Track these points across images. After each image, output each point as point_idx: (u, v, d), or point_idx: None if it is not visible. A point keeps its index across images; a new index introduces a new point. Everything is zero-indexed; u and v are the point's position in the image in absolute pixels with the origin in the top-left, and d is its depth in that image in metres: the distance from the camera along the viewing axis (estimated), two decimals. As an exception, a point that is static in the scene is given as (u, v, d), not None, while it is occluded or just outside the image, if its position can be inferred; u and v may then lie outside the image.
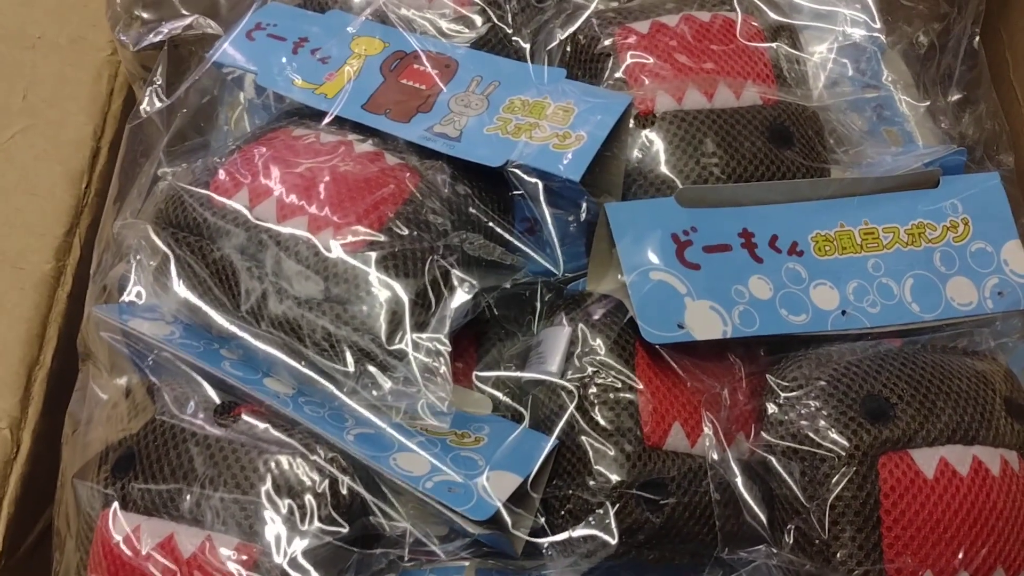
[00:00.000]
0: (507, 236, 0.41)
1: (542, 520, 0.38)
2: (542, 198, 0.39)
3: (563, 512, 0.37)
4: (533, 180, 0.39)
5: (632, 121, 0.45)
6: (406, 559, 0.36)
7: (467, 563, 0.40)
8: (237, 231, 0.39)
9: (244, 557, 0.35)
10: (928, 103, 0.52)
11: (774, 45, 0.48)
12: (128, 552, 0.35)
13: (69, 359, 0.45)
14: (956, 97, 0.51)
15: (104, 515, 0.36)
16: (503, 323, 0.43)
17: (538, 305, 0.44)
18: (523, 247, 0.40)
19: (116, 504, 0.36)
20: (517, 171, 0.39)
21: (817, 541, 0.36)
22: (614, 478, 0.38)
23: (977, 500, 0.37)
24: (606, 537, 0.36)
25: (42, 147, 0.51)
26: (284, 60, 0.44)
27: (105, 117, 0.53)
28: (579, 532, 0.36)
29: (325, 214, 0.39)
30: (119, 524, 0.36)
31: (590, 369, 0.40)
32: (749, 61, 0.47)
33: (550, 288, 0.45)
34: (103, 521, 0.36)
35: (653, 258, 0.40)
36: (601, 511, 0.36)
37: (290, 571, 0.34)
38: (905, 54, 0.55)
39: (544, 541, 0.36)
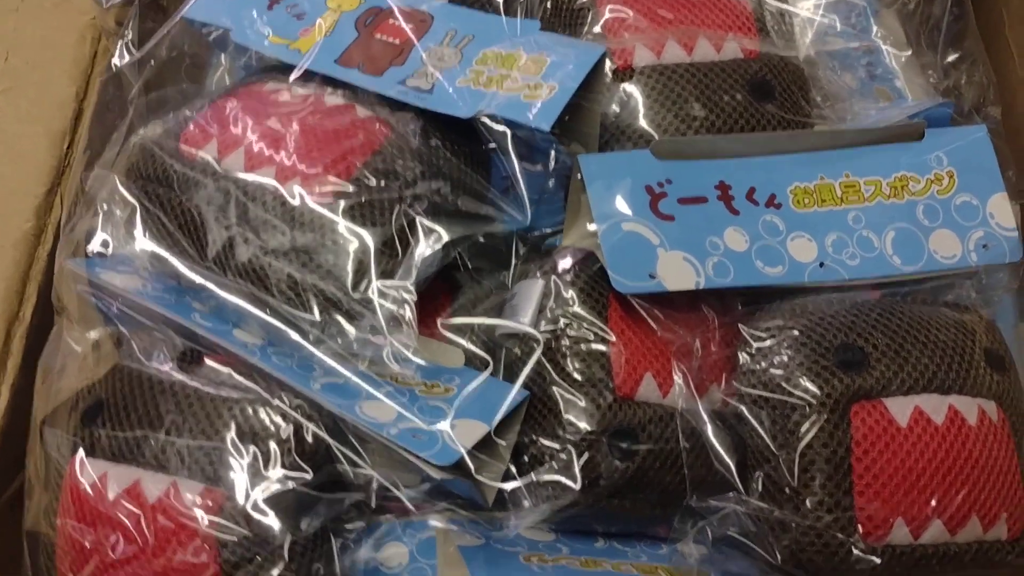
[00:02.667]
0: (479, 188, 0.40)
1: (513, 470, 0.38)
2: (510, 147, 0.39)
3: (531, 461, 0.37)
4: (501, 128, 0.39)
5: (610, 75, 0.44)
6: (372, 505, 0.36)
7: (437, 518, 0.40)
8: (205, 181, 0.38)
9: (209, 502, 0.35)
10: (917, 58, 0.51)
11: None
12: (95, 498, 0.35)
13: (48, 316, 0.45)
14: (947, 54, 0.50)
15: (72, 462, 0.36)
16: (478, 277, 0.43)
17: (513, 260, 0.44)
18: (495, 199, 0.40)
19: (83, 451, 0.36)
20: (486, 120, 0.39)
21: (787, 489, 0.35)
22: (583, 427, 0.38)
23: (952, 449, 0.36)
24: (568, 482, 0.35)
25: (25, 109, 0.51)
26: (257, 15, 0.44)
27: (88, 79, 0.53)
28: (543, 477, 0.36)
29: (293, 164, 0.38)
30: (87, 471, 0.36)
31: (562, 321, 0.40)
32: (731, 14, 0.47)
33: (526, 243, 0.45)
34: (71, 468, 0.36)
35: (625, 209, 0.40)
36: (564, 456, 0.36)
37: (254, 516, 0.34)
38: (898, 11, 0.54)
39: (507, 486, 0.36)
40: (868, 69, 0.55)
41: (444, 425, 0.36)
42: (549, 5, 0.48)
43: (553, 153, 0.39)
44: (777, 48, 0.46)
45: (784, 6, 0.49)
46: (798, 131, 0.44)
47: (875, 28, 0.55)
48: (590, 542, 0.40)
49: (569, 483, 0.35)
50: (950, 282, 0.42)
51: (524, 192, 0.39)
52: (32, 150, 0.50)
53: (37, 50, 0.53)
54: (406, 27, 0.44)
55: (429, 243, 0.37)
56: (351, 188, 0.38)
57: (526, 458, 0.37)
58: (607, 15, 0.46)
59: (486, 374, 0.38)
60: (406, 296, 0.36)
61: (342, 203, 0.37)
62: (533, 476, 0.36)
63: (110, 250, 0.39)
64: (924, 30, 0.50)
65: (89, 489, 0.36)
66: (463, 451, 0.35)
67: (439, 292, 0.43)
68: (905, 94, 0.53)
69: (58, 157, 0.51)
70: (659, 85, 0.44)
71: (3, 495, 0.44)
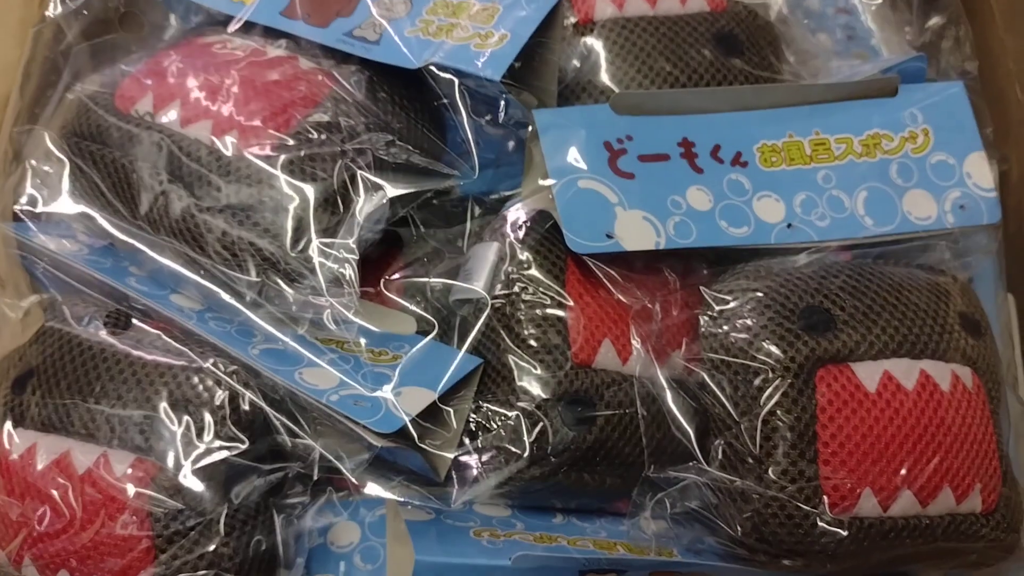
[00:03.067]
0: (428, 144, 0.38)
1: (467, 442, 0.36)
2: (457, 96, 0.37)
3: (479, 429, 0.35)
4: (448, 77, 0.37)
5: (570, 28, 0.42)
6: (315, 477, 0.34)
7: (390, 494, 0.38)
8: (140, 136, 0.37)
9: (140, 473, 0.33)
10: (894, 15, 0.49)
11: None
12: (24, 469, 0.34)
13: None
14: (924, 11, 0.48)
15: (1, 432, 0.35)
16: (431, 241, 0.41)
17: (468, 223, 0.42)
18: (447, 156, 0.38)
19: (11, 421, 0.34)
20: (433, 70, 0.37)
21: (749, 458, 0.34)
22: (538, 394, 0.36)
23: (923, 416, 0.34)
24: (515, 449, 0.34)
25: (-33, 71, 0.49)
26: (200, -35, 0.42)
27: (35, 44, 0.51)
28: (491, 445, 0.34)
29: (230, 116, 0.36)
30: (15, 442, 0.34)
31: (518, 285, 0.38)
32: (698, -35, 0.45)
33: (483, 207, 0.43)
34: (0, 438, 0.34)
35: (582, 165, 0.38)
36: (513, 423, 0.34)
37: (187, 487, 0.32)
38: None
39: (451, 455, 0.34)
40: (846, 31, 0.54)
41: (387, 392, 0.34)
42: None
43: (503, 104, 0.37)
44: (745, 1, 0.44)
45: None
46: (765, 86, 0.42)
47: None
48: (548, 518, 0.38)
49: (516, 450, 0.34)
50: (925, 244, 0.40)
51: (472, 143, 0.37)
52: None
53: (-19, 11, 0.51)
54: (356, -22, 0.42)
55: (373, 199, 0.36)
56: (291, 142, 0.36)
57: (474, 427, 0.36)
58: (568, -33, 0.44)
59: (429, 339, 0.36)
60: (347, 255, 0.34)
61: (281, 157, 0.35)
62: (479, 443, 0.34)
63: (38, 207, 0.37)
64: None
65: (18, 460, 0.34)
66: (406, 419, 0.33)
67: (390, 255, 0.42)
68: (882, 52, 0.51)
69: (2, 122, 0.49)
70: (621, 39, 0.42)
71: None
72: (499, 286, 0.38)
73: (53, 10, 0.42)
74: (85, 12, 0.41)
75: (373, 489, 0.39)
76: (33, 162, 0.37)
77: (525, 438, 0.34)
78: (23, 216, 0.38)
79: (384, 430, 0.33)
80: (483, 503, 0.38)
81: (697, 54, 0.42)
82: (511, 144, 0.43)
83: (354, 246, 0.35)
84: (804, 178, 0.40)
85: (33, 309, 0.36)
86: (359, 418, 0.33)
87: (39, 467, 0.34)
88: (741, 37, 0.43)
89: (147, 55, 0.40)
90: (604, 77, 0.42)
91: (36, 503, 0.33)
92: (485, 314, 0.36)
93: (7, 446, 0.34)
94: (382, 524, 0.39)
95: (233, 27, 0.40)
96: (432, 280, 0.38)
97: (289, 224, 0.35)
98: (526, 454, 0.34)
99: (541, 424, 0.35)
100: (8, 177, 0.38)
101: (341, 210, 0.35)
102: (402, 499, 0.38)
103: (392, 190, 0.36)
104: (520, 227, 0.39)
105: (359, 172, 0.36)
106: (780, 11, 0.48)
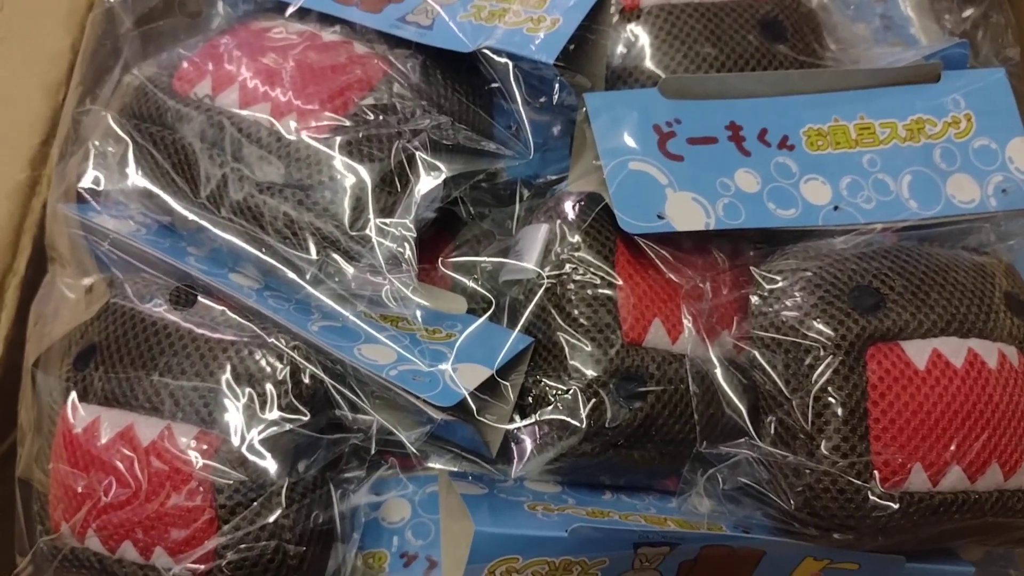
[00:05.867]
0: (481, 124, 0.39)
1: (517, 419, 0.37)
2: (511, 79, 0.37)
3: (535, 403, 0.36)
4: (503, 61, 0.37)
5: (617, 15, 0.43)
6: (372, 451, 0.35)
7: (441, 469, 0.39)
8: (199, 118, 0.37)
9: (204, 445, 0.34)
10: (931, 2, 0.49)
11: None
12: (88, 443, 0.35)
13: (42, 268, 0.44)
14: (967, 4, 0.48)
15: (65, 407, 0.35)
16: (482, 223, 0.42)
17: (517, 207, 0.42)
18: (499, 135, 0.38)
19: (75, 395, 0.35)
20: (488, 53, 0.38)
21: (801, 434, 0.34)
22: (590, 373, 0.36)
23: (972, 393, 0.35)
24: (574, 422, 0.34)
25: (19, 60, 0.50)
26: (254, -47, 0.43)
27: (83, 31, 0.52)
28: (548, 418, 0.35)
29: (289, 100, 0.37)
30: (79, 415, 0.35)
31: (568, 266, 0.39)
32: (742, -48, 0.45)
33: (531, 190, 0.43)
34: (64, 413, 0.35)
35: (632, 147, 0.39)
36: (570, 398, 0.35)
37: (250, 459, 0.33)
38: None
39: (510, 426, 0.34)
40: (883, 20, 0.54)
41: (445, 367, 0.34)
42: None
43: (557, 87, 0.38)
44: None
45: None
46: (811, 71, 0.42)
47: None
48: (597, 495, 0.39)
49: (575, 423, 0.34)
50: (968, 227, 0.41)
51: (527, 125, 0.38)
52: (27, 101, 0.49)
53: (31, 2, 0.52)
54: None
55: (429, 179, 0.36)
56: (348, 123, 0.37)
57: (531, 401, 0.36)
58: (614, -46, 0.44)
59: (484, 318, 0.37)
60: (405, 233, 0.35)
61: (339, 139, 0.36)
62: (537, 416, 0.34)
63: (101, 187, 0.38)
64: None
65: (82, 434, 0.35)
66: (465, 392, 0.33)
67: (440, 238, 0.42)
68: (920, 41, 0.52)
69: (53, 108, 0.49)
70: (667, 25, 0.43)
71: (2, 446, 0.43)
72: (549, 267, 0.39)
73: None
74: None
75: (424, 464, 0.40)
76: (95, 143, 0.38)
77: (581, 413, 0.35)
78: (85, 196, 0.39)
79: (443, 404, 0.33)
80: (533, 480, 0.39)
81: (742, 40, 0.43)
82: (557, 128, 0.44)
83: (412, 225, 0.35)
84: (850, 161, 0.41)
85: (94, 287, 0.37)
86: (419, 392, 0.33)
87: (103, 440, 0.34)
88: (785, 23, 0.44)
89: (203, 40, 0.41)
90: (650, 63, 0.43)
91: (100, 475, 0.34)
92: (539, 294, 0.37)
93: (71, 420, 0.35)
94: (432, 501, 0.39)
95: (289, 12, 0.40)
96: (483, 260, 0.39)
97: (348, 204, 0.35)
98: (581, 429, 0.34)
99: (594, 401, 0.36)
100: (68, 158, 0.39)
101: (398, 190, 0.36)
102: (452, 476, 0.39)
103: (447, 170, 0.37)
104: (570, 209, 0.40)
105: (416, 153, 0.36)
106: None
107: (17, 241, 0.46)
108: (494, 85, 0.40)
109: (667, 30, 0.43)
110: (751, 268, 0.37)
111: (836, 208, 0.40)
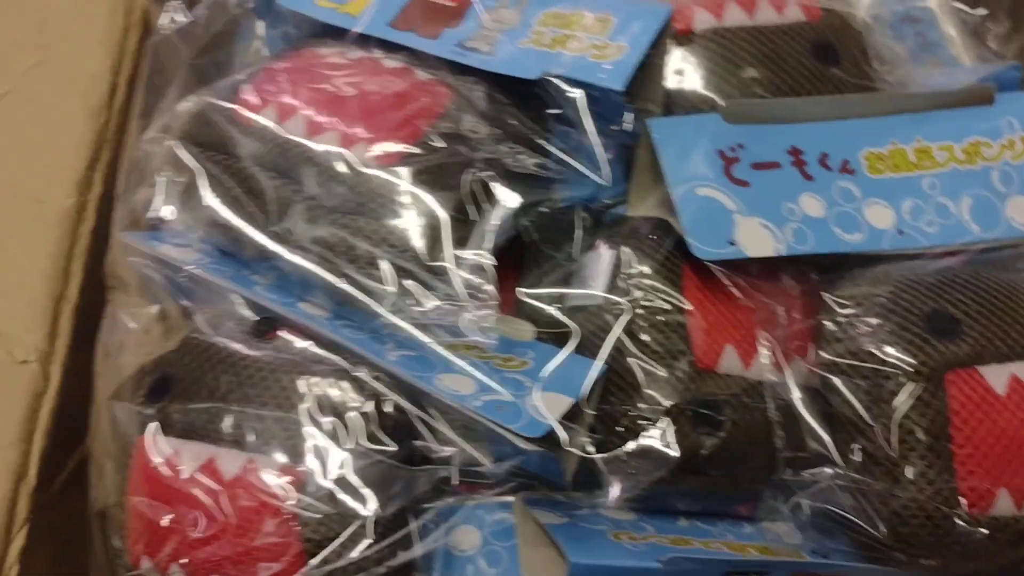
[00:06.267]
0: (547, 152, 0.39)
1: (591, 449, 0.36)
2: (582, 107, 0.37)
3: (617, 434, 0.36)
4: (575, 90, 0.37)
5: (669, 39, 0.43)
6: (455, 482, 0.35)
7: (512, 498, 0.39)
8: (266, 147, 0.37)
9: (289, 478, 0.33)
10: (971, 23, 0.50)
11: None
12: (169, 476, 0.34)
13: (94, 294, 0.44)
14: (1009, 20, 0.49)
15: (141, 440, 0.35)
16: (543, 247, 0.42)
17: (579, 231, 0.42)
18: (568, 161, 0.38)
19: (152, 428, 0.35)
20: (556, 81, 0.37)
21: (886, 460, 0.34)
22: (666, 401, 0.36)
23: (1049, 417, 0.35)
24: (667, 450, 0.34)
25: (59, 81, 0.49)
26: (305, -23, 0.43)
27: (122, 53, 0.52)
28: (635, 446, 0.34)
29: (357, 129, 0.37)
30: (158, 448, 0.34)
31: (636, 292, 0.38)
32: (792, -27, 0.45)
33: (590, 213, 0.43)
34: (140, 445, 0.35)
35: (700, 173, 0.39)
36: (658, 427, 0.35)
37: (336, 492, 0.33)
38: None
39: (599, 456, 0.34)
40: (917, 39, 0.54)
41: (528, 396, 0.34)
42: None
43: (625, 114, 0.38)
44: (836, 5, 0.45)
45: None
46: (869, 94, 0.43)
47: (927, -3, 0.54)
48: (673, 521, 0.38)
49: (670, 452, 0.34)
50: (1030, 249, 0.41)
51: (602, 152, 0.38)
52: (70, 124, 0.48)
53: (69, 21, 0.51)
54: (461, -11, 0.42)
55: (502, 208, 0.36)
56: (419, 151, 0.36)
57: (606, 431, 0.36)
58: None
59: (570, 349, 0.36)
60: (484, 263, 0.35)
61: (410, 167, 0.36)
62: (631, 445, 0.34)
63: (169, 216, 0.37)
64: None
65: (161, 467, 0.34)
66: (553, 422, 0.33)
67: (502, 264, 0.42)
68: (960, 60, 0.52)
69: (96, 131, 0.49)
70: (720, 49, 0.43)
71: (59, 475, 0.42)
72: (616, 294, 0.39)
73: (168, 23, 0.42)
74: (199, 29, 0.41)
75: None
76: (162, 171, 0.37)
77: (672, 440, 0.34)
78: (150, 225, 0.38)
79: (531, 434, 0.33)
80: (607, 507, 0.38)
81: (797, 63, 0.43)
82: (611, 153, 0.44)
83: (490, 255, 0.35)
84: (910, 185, 0.41)
85: (169, 317, 0.37)
86: (505, 422, 0.33)
87: (184, 474, 0.34)
88: (837, 46, 0.44)
89: (262, 66, 0.40)
90: (704, 87, 0.43)
91: (185, 510, 0.33)
92: (622, 320, 0.37)
93: (150, 453, 0.34)
94: (501, 528, 0.39)
95: (352, 38, 0.40)
96: (568, 292, 0.39)
97: (423, 234, 0.35)
98: (674, 458, 0.34)
99: (672, 428, 0.36)
100: (133, 187, 0.38)
101: (473, 219, 0.36)
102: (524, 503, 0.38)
103: (522, 198, 0.36)
104: (634, 235, 0.40)
105: (489, 181, 0.36)
106: (864, 19, 0.49)
107: (68, 267, 0.45)
108: (553, 111, 0.40)
109: (721, 54, 0.43)
110: (824, 294, 0.37)
111: (900, 232, 0.40)
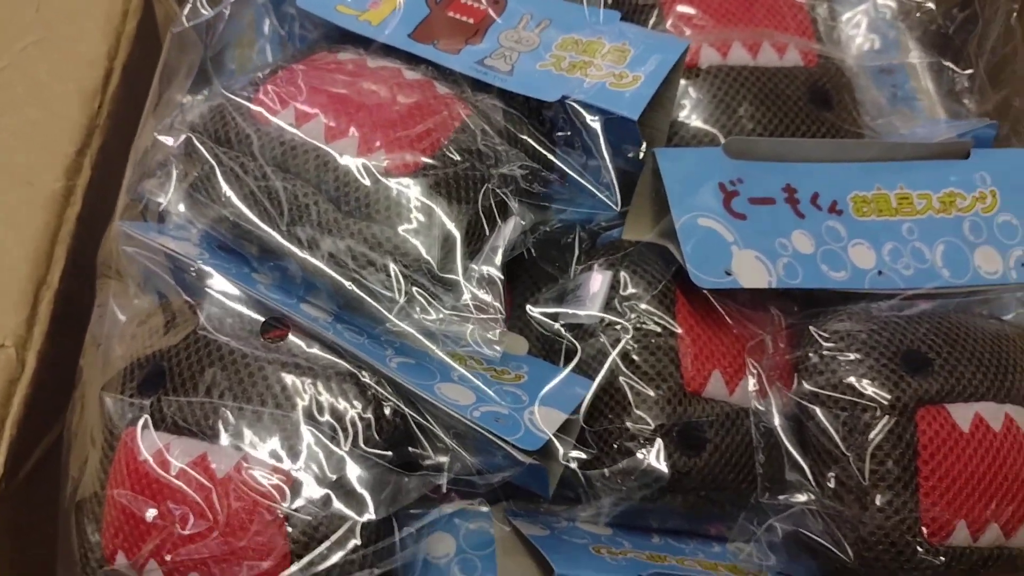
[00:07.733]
0: (557, 173, 0.40)
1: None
2: (601, 135, 0.38)
3: (603, 452, 0.37)
4: (593, 116, 0.38)
5: (677, 72, 0.45)
6: (444, 490, 0.35)
7: (486, 508, 0.40)
8: (283, 149, 0.37)
9: (280, 478, 0.33)
10: (943, 78, 0.52)
11: (814, 4, 0.48)
12: (157, 470, 0.34)
13: (76, 281, 0.43)
14: (985, 78, 0.52)
15: (129, 433, 0.35)
16: (541, 264, 0.43)
17: (576, 251, 0.43)
18: (582, 183, 0.39)
19: (142, 421, 0.34)
20: (576, 106, 0.39)
21: (855, 489, 0.36)
22: (654, 421, 0.38)
23: (1009, 455, 0.37)
24: (654, 469, 0.35)
25: (55, 61, 0.49)
26: (327, -18, 0.43)
27: (119, 38, 0.51)
28: (624, 464, 0.36)
29: (376, 137, 0.37)
30: (146, 442, 0.34)
31: (631, 314, 0.40)
32: (793, 18, 0.47)
33: (588, 234, 0.44)
34: (128, 438, 0.34)
35: (702, 204, 0.40)
36: (650, 446, 0.36)
37: (327, 493, 0.33)
38: (929, 32, 0.56)
39: (593, 473, 0.35)
40: (891, 90, 0.57)
41: (525, 410, 0.35)
42: (610, 1, 0.48)
43: (635, 143, 0.39)
44: (831, 52, 0.47)
45: (834, 14, 0.50)
46: (862, 140, 0.45)
47: (903, 48, 0.56)
48: (646, 538, 0.40)
49: (656, 470, 0.35)
50: (996, 296, 0.44)
51: (614, 179, 0.39)
52: (64, 106, 0.48)
53: (68, 2, 0.50)
54: (480, 7, 0.43)
55: (517, 223, 0.37)
56: (436, 163, 0.37)
57: (599, 449, 0.37)
58: (674, 13, 0.46)
59: (569, 368, 0.37)
60: (495, 277, 0.36)
61: (428, 178, 0.37)
62: (621, 463, 0.36)
63: (175, 208, 0.37)
64: (967, 51, 0.52)
65: (150, 461, 0.34)
66: (549, 435, 0.34)
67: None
68: (929, 113, 0.55)
69: (89, 116, 0.48)
70: (724, 86, 0.45)
71: (26, 465, 0.41)
72: (611, 315, 0.40)
73: (192, 15, 0.42)
74: (219, 25, 0.41)
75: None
76: (174, 163, 0.37)
77: (662, 457, 0.36)
78: (149, 217, 0.38)
79: (528, 447, 0.34)
80: (584, 521, 0.40)
81: (794, 105, 0.45)
82: (606, 178, 0.45)
83: (499, 269, 0.36)
84: (891, 229, 0.43)
85: (164, 310, 0.37)
86: (504, 434, 0.34)
87: (173, 470, 0.34)
88: (831, 92, 0.46)
89: (280, 66, 0.40)
90: (706, 122, 0.44)
91: (171, 506, 0.33)
92: (620, 342, 0.38)
93: (138, 446, 0.34)
94: (476, 536, 0.40)
95: (375, 47, 0.41)
96: (570, 311, 0.40)
97: (436, 245, 0.36)
98: (665, 476, 0.36)
99: (656, 448, 0.37)
100: (141, 178, 0.38)
101: (485, 233, 0.37)
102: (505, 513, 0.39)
103: (533, 216, 0.37)
104: (631, 258, 0.41)
105: (503, 197, 0.37)
106: (852, 67, 0.51)
107: (51, 252, 0.45)
108: (561, 134, 0.41)
109: (724, 91, 0.45)
110: (810, 327, 0.39)
111: (880, 273, 0.42)
